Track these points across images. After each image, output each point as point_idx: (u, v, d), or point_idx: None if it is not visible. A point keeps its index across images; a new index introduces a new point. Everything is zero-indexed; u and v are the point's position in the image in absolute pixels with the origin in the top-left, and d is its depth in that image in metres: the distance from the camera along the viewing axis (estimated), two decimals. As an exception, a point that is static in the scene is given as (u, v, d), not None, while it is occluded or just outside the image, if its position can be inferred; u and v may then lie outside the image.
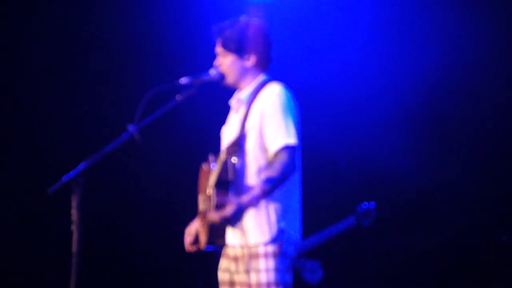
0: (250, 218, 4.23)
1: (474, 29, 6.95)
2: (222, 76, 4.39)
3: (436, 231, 7.20)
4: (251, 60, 4.38)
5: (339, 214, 6.68)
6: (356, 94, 7.34)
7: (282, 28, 6.87)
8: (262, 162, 4.24)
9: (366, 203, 6.56)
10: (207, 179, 4.38)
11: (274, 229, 4.21)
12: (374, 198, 6.71)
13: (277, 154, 4.18)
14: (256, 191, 4.14)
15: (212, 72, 4.40)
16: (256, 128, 4.24)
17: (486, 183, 7.07)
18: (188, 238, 4.49)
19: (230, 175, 4.18)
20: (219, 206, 4.15)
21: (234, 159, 4.11)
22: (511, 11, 6.97)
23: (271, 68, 4.47)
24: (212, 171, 4.34)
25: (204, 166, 4.49)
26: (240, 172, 4.23)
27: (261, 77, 4.41)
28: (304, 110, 4.49)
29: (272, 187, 4.14)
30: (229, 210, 4.10)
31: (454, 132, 7.19)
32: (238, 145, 4.07)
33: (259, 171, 4.24)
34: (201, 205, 4.42)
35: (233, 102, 4.47)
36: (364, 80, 7.30)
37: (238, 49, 4.35)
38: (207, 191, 4.28)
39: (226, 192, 4.17)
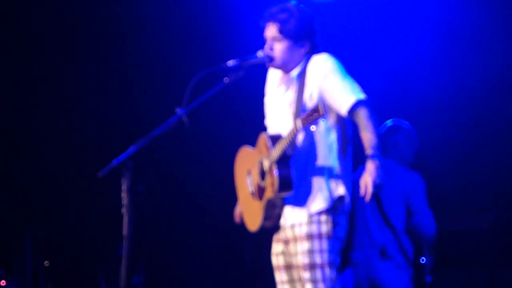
0: (309, 188, 4.24)
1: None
2: (270, 59, 4.37)
3: (487, 213, 7.14)
4: (305, 47, 4.36)
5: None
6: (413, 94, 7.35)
7: (344, 28, 6.89)
8: (320, 133, 4.25)
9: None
10: (250, 160, 4.40)
11: (334, 195, 4.23)
12: (430, 180, 6.67)
13: (353, 112, 4.17)
14: (373, 152, 4.09)
15: (260, 54, 4.37)
16: (315, 96, 4.22)
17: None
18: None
19: (291, 150, 4.18)
20: (284, 181, 4.15)
21: (313, 127, 4.07)
22: None
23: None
24: (256, 151, 4.35)
25: (243, 148, 4.50)
26: (303, 145, 4.23)
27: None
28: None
29: (378, 142, 4.11)
30: (374, 173, 4.02)
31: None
32: (311, 114, 3.98)
33: (316, 142, 4.25)
34: (246, 188, 4.43)
35: (282, 80, 4.44)
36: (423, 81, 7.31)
37: (295, 35, 4.32)
38: (259, 169, 4.29)
39: (287, 166, 4.17)
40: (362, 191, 4.05)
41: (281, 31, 4.31)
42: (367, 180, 4.03)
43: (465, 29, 7.16)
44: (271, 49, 4.34)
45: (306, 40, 4.34)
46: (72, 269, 7.54)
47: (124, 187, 4.00)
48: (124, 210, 4.00)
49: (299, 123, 4.00)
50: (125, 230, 4.01)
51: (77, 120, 7.54)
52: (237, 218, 4.62)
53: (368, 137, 4.13)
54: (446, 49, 7.26)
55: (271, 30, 4.34)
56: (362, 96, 4.20)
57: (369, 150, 4.11)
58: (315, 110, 3.93)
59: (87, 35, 7.50)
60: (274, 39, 4.33)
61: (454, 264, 7.08)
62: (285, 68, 4.39)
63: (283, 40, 4.32)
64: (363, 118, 4.15)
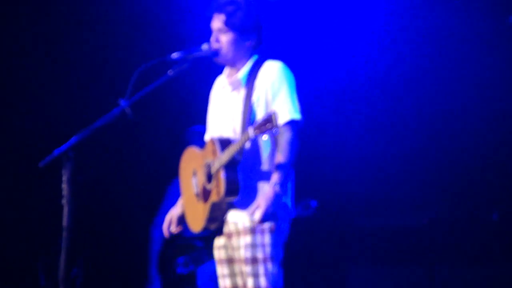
0: (254, 193, 4.22)
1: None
2: (214, 52, 4.34)
3: (427, 210, 7.22)
4: (251, 40, 4.34)
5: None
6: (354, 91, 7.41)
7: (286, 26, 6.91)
8: (266, 140, 4.23)
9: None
10: (197, 161, 4.36)
11: (277, 204, 4.20)
12: (369, 178, 6.73)
13: (282, 129, 4.14)
14: (276, 179, 4.09)
15: (204, 47, 4.35)
16: (263, 105, 4.22)
17: (477, 163, 7.09)
18: (168, 225, 4.51)
19: (240, 155, 4.15)
20: (231, 186, 4.12)
21: (265, 137, 4.05)
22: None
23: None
24: (203, 153, 4.31)
25: (190, 149, 4.47)
26: (249, 151, 4.21)
27: (255, 57, 4.38)
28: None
29: (287, 170, 4.12)
30: (263, 205, 4.04)
31: (447, 124, 7.22)
32: (264, 124, 3.93)
33: (263, 148, 4.23)
34: (191, 188, 4.39)
35: (228, 81, 4.41)
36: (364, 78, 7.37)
37: (241, 28, 4.30)
38: (206, 171, 4.25)
39: (235, 171, 4.14)
40: (251, 210, 4.06)
41: (226, 23, 4.29)
42: (261, 204, 4.05)
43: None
44: (217, 41, 4.33)
45: (252, 33, 4.33)
46: (10, 261, 7.44)
47: (64, 177, 3.97)
48: (64, 201, 3.96)
49: (251, 131, 3.95)
50: (64, 222, 3.98)
51: (18, 109, 7.43)
52: (165, 232, 4.53)
53: (280, 160, 4.12)
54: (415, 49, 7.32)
55: (217, 22, 4.32)
56: (297, 116, 4.21)
57: (275, 175, 4.10)
58: (268, 120, 3.89)
59: (30, 21, 7.39)
60: (220, 31, 4.31)
61: (394, 261, 7.15)
62: (231, 62, 4.37)
63: (229, 32, 4.30)
64: (285, 140, 4.15)
